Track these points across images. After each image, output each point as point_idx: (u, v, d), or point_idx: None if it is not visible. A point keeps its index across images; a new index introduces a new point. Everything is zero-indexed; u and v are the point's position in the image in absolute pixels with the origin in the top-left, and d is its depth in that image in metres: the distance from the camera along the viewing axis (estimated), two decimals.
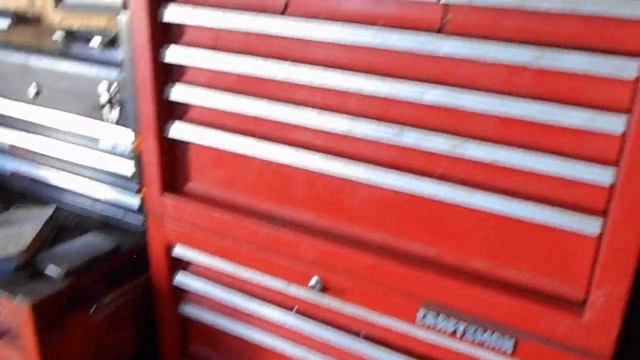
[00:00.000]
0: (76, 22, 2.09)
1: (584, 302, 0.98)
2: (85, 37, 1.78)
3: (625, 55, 0.85)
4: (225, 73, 1.23)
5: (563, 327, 0.99)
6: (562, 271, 1.00)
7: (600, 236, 0.94)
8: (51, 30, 1.94)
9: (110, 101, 1.53)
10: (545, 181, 0.97)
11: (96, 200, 1.73)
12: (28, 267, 1.45)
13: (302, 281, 1.25)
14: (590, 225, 0.94)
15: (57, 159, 1.75)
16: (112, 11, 1.94)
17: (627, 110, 0.87)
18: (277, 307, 1.34)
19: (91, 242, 1.55)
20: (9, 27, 2.21)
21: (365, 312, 1.20)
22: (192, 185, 1.38)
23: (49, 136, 1.73)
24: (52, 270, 1.41)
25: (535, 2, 0.88)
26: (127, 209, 1.65)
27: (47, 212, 1.63)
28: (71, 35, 1.83)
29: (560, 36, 0.90)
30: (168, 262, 1.46)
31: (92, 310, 1.45)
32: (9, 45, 1.76)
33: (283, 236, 1.24)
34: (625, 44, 0.86)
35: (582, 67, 0.88)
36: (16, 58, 1.71)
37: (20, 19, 2.26)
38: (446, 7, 0.97)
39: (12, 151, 1.86)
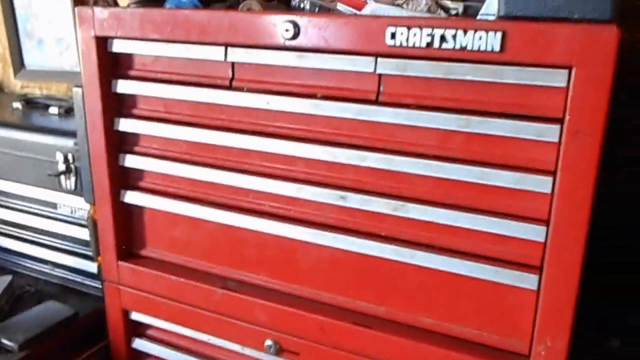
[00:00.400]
0: (36, 90, 2.07)
1: (528, 356, 0.98)
2: (45, 105, 1.77)
3: (546, 120, 0.87)
4: (176, 141, 1.22)
5: None
6: (507, 326, 1.00)
7: (538, 291, 0.94)
8: (12, 98, 1.91)
9: (66, 170, 1.51)
10: (484, 239, 0.97)
11: (56, 265, 1.68)
12: None
13: (257, 344, 1.21)
14: (527, 281, 0.94)
15: (16, 226, 1.70)
16: (72, 78, 1.93)
17: (553, 171, 0.88)
18: None
19: (49, 310, 1.49)
20: None
21: None
22: (148, 251, 1.35)
23: (7, 204, 1.68)
24: (8, 343, 1.36)
25: (459, 73, 0.90)
26: (86, 275, 1.61)
27: (3, 282, 1.57)
28: (31, 104, 1.82)
29: (485, 103, 0.92)
30: (126, 328, 1.41)
31: None
32: None
33: (236, 299, 1.22)
34: (546, 110, 0.87)
35: (507, 131, 0.90)
36: None
37: None
38: (380, 77, 0.99)
39: None
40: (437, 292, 1.04)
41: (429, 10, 1.00)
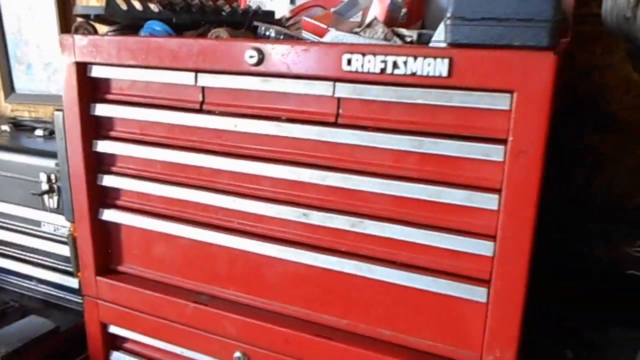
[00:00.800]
0: (25, 113, 2.08)
1: None
2: (32, 128, 1.77)
3: (492, 141, 0.89)
4: (151, 161, 1.23)
5: None
6: (460, 337, 1.00)
7: (487, 304, 0.95)
8: (1, 121, 1.92)
9: (49, 189, 1.51)
10: (438, 254, 0.98)
11: (40, 281, 1.68)
12: None
13: (227, 356, 1.21)
14: (478, 294, 0.95)
15: (2, 243, 1.69)
16: (59, 101, 1.94)
17: (499, 189, 0.90)
18: None
19: (31, 324, 1.49)
20: None
21: None
22: (125, 267, 1.35)
23: None
24: None
25: (411, 97, 0.92)
26: (68, 290, 1.60)
27: None
28: (18, 126, 1.82)
29: (436, 125, 0.93)
30: (104, 341, 1.40)
31: None
32: None
33: (207, 313, 1.21)
34: (491, 132, 0.89)
35: (457, 152, 0.92)
36: None
37: None
38: (339, 101, 1.00)
39: None
40: (394, 305, 1.04)
41: (385, 38, 1.02)
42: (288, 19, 1.35)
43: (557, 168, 1.23)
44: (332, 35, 1.05)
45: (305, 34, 1.13)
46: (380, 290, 1.05)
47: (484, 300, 0.95)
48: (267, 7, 1.51)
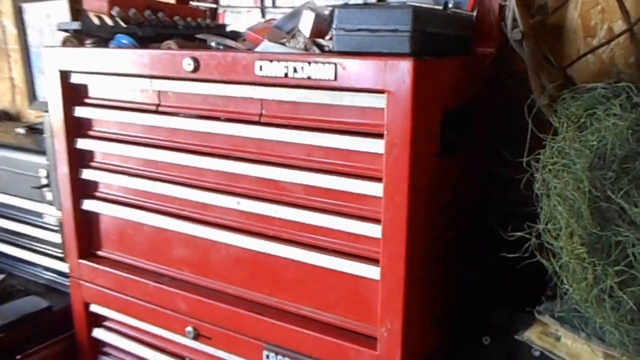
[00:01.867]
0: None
1: (376, 338, 1.14)
2: (42, 130, 2.05)
3: (376, 136, 1.06)
4: (120, 156, 1.46)
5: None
6: (363, 312, 1.16)
7: (380, 281, 1.11)
8: (20, 125, 2.22)
9: (48, 184, 1.77)
10: (342, 237, 1.15)
11: (44, 268, 1.94)
12: None
13: (180, 330, 1.42)
14: (372, 273, 1.11)
15: (11, 233, 1.98)
16: None
17: (381, 178, 1.06)
18: (172, 357, 1.50)
19: (28, 303, 1.75)
20: None
21: (229, 355, 1.36)
22: (103, 252, 1.58)
23: (3, 214, 1.97)
24: None
25: (312, 98, 1.10)
26: (65, 275, 1.85)
27: None
28: (33, 129, 2.11)
29: (335, 123, 1.11)
30: (87, 319, 1.64)
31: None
32: None
33: (164, 292, 1.42)
34: (375, 127, 1.06)
35: (350, 146, 1.09)
36: None
37: (2, 116, 2.58)
38: (262, 102, 1.20)
39: None
40: (310, 285, 1.22)
41: (305, 47, 1.21)
42: None
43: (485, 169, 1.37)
44: (263, 45, 1.25)
45: (245, 43, 1.34)
46: (300, 271, 1.22)
47: (377, 277, 1.11)
48: (242, 21, 1.73)
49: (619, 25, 1.26)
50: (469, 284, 1.39)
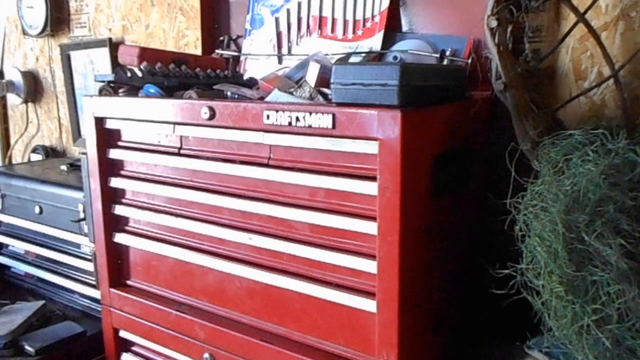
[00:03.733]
0: None
1: None
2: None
3: (370, 179, 1.12)
4: (147, 194, 1.56)
5: None
6: (363, 343, 1.21)
7: (376, 314, 1.16)
8: (63, 162, 2.37)
9: (85, 217, 1.89)
10: (343, 272, 1.21)
11: (81, 295, 2.05)
12: (13, 345, 1.76)
13: (198, 357, 1.49)
14: (370, 306, 1.16)
15: (53, 262, 2.10)
16: None
17: (376, 218, 1.12)
18: None
19: (64, 328, 1.85)
20: (42, 159, 2.69)
21: None
22: (132, 281, 1.68)
23: (46, 244, 2.09)
24: (28, 348, 1.72)
25: (314, 144, 1.18)
26: (98, 302, 1.96)
27: (36, 305, 1.96)
28: (74, 166, 2.25)
29: (335, 167, 1.18)
30: (116, 344, 1.73)
31: None
32: (25, 177, 2.19)
33: (184, 320, 1.50)
34: (369, 171, 1.12)
35: (348, 188, 1.16)
36: (28, 185, 2.12)
37: (50, 152, 2.74)
38: (270, 147, 1.28)
39: (25, 256, 2.23)
40: (315, 316, 1.27)
41: (310, 96, 1.29)
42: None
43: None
44: (272, 94, 1.34)
45: (259, 92, 1.43)
46: (305, 302, 1.28)
47: (374, 310, 1.16)
48: (262, 66, 1.84)
49: (608, 69, 1.30)
50: (464, 316, 1.42)
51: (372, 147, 1.10)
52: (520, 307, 1.09)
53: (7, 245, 2.29)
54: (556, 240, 0.95)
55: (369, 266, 1.15)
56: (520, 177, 1.06)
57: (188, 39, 2.13)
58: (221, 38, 1.98)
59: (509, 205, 1.06)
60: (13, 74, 2.81)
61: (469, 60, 1.36)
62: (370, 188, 1.12)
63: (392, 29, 1.59)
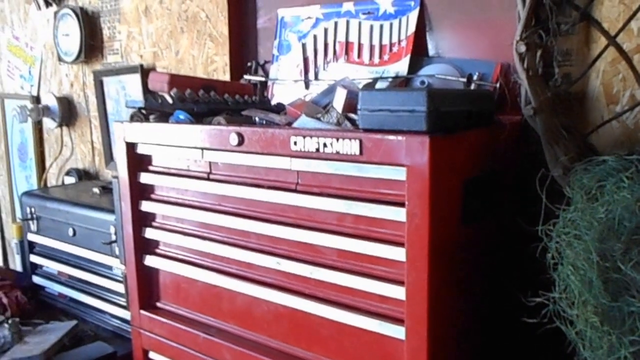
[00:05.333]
0: None
1: None
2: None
3: (398, 205, 1.10)
4: (177, 218, 1.56)
5: None
6: None
7: (405, 341, 1.13)
8: (96, 185, 2.40)
9: (117, 239, 1.90)
10: (372, 298, 1.19)
11: (112, 316, 2.06)
12: None
13: None
14: (399, 332, 1.14)
15: (85, 283, 2.11)
16: None
17: (404, 244, 1.09)
18: None
19: (95, 348, 1.86)
20: (75, 182, 2.73)
21: None
22: (161, 303, 1.68)
23: (79, 265, 2.11)
24: None
25: (341, 170, 1.16)
26: (128, 322, 1.96)
27: (69, 326, 1.97)
28: (106, 189, 2.27)
29: (361, 192, 1.16)
30: None
31: None
32: (60, 199, 2.22)
33: (212, 342, 1.49)
34: (397, 197, 1.10)
35: (376, 214, 1.14)
36: (62, 207, 2.15)
37: (83, 175, 2.78)
38: (298, 173, 1.27)
39: (58, 277, 2.25)
40: (342, 341, 1.25)
41: (337, 122, 1.28)
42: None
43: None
44: (300, 120, 1.33)
45: (286, 117, 1.42)
46: (333, 328, 1.26)
47: (403, 337, 1.13)
48: (289, 91, 1.84)
49: None
50: (494, 345, 1.38)
51: (400, 174, 1.08)
52: (552, 336, 1.05)
53: (41, 266, 2.32)
54: (590, 269, 0.91)
55: (398, 292, 1.13)
56: (552, 204, 1.02)
57: (217, 65, 2.15)
58: (249, 64, 1.99)
59: (540, 232, 1.02)
60: (49, 99, 2.88)
61: (497, 85, 1.34)
62: (398, 214, 1.10)
63: (419, 54, 1.58)
